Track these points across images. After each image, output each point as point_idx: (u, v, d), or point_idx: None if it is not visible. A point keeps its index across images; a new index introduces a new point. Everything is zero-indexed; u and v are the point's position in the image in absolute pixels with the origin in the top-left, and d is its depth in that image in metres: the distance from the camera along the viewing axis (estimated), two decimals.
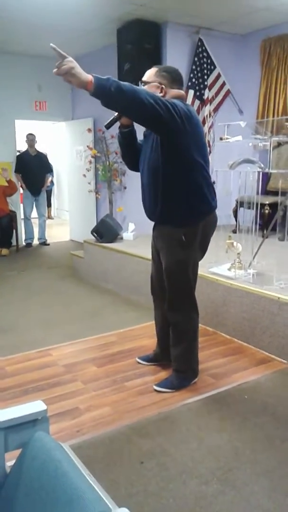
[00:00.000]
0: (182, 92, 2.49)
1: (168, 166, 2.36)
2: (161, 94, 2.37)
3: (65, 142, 8.32)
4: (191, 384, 2.74)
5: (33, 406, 1.31)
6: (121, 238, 5.28)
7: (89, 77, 1.99)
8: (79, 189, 7.76)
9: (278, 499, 1.85)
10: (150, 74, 2.47)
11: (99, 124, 7.10)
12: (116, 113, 2.38)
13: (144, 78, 2.47)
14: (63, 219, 10.91)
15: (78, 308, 4.36)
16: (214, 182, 3.14)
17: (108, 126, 2.42)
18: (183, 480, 1.95)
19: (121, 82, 2.02)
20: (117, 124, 2.56)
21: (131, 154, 2.63)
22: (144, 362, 3.04)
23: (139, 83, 2.47)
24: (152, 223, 2.75)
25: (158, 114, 2.10)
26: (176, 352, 2.73)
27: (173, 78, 2.45)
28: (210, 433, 2.29)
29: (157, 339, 3.01)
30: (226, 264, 3.70)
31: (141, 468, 2.02)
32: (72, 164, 7.98)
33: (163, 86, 2.41)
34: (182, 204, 2.45)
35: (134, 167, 2.70)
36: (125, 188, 6.76)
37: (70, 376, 2.91)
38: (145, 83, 2.45)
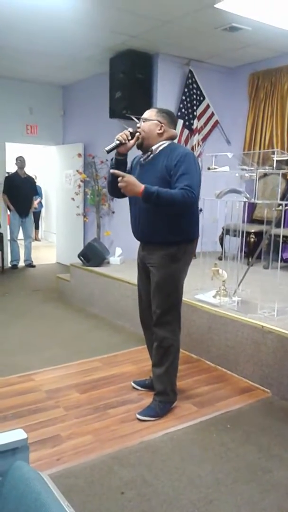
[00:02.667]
0: (176, 132, 2.81)
1: None
2: (161, 131, 2.65)
3: (55, 166, 8.39)
4: (172, 408, 2.75)
5: (14, 435, 1.29)
6: (108, 263, 5.30)
7: (140, 189, 2.44)
8: (67, 212, 7.80)
9: None
10: (151, 113, 2.72)
11: (89, 149, 7.19)
12: (118, 141, 2.61)
13: (145, 116, 2.71)
14: (50, 242, 10.90)
15: (63, 331, 4.33)
16: (201, 210, 3.29)
17: (109, 150, 2.63)
18: (164, 511, 1.92)
19: (162, 191, 2.43)
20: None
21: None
22: (139, 388, 3.03)
23: (140, 120, 2.71)
24: (137, 247, 2.81)
25: (190, 203, 2.49)
26: (160, 371, 2.74)
27: (171, 119, 2.74)
28: (192, 463, 2.27)
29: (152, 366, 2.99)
30: (212, 291, 3.73)
31: (121, 498, 1.99)
32: (61, 188, 8.03)
33: (163, 125, 2.66)
34: (179, 228, 2.63)
35: (120, 194, 2.79)
36: (113, 212, 6.82)
37: (52, 402, 2.87)
38: (146, 120, 2.68)
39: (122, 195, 2.76)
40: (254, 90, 5.98)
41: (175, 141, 2.79)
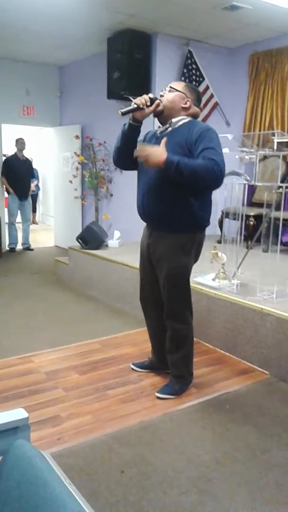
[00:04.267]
0: (199, 111, 2.64)
1: None
2: (186, 106, 2.51)
3: (52, 148, 8.31)
4: (189, 388, 2.79)
5: (14, 414, 1.29)
6: (106, 246, 5.28)
7: (162, 158, 2.28)
8: (65, 195, 7.75)
9: (257, 510, 1.85)
10: (179, 85, 2.56)
11: (86, 131, 7.11)
12: (136, 105, 2.42)
13: (172, 85, 2.54)
14: (48, 225, 10.86)
15: (61, 314, 4.34)
16: None
17: (124, 113, 2.43)
18: (164, 489, 1.94)
19: (186, 160, 2.28)
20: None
21: (129, 149, 2.51)
22: (138, 369, 3.04)
23: (165, 88, 2.54)
24: (139, 232, 2.75)
25: (215, 179, 2.30)
26: (175, 359, 2.74)
27: (198, 97, 2.61)
28: (191, 442, 2.29)
29: (152, 348, 3.00)
30: (211, 274, 3.73)
31: (121, 477, 2.01)
32: (58, 170, 7.97)
33: (189, 100, 2.52)
34: (190, 211, 2.47)
35: (124, 164, 2.67)
36: (111, 195, 6.78)
37: (51, 383, 2.88)
38: (174, 89, 2.52)
39: (127, 166, 2.63)
40: (254, 71, 5.91)
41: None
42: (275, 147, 3.31)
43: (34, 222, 10.96)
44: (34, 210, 10.93)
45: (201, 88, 5.96)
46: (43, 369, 3.09)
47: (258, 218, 5.02)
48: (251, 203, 5.49)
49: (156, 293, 2.73)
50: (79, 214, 7.55)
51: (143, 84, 5.57)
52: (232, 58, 6.20)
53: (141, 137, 2.61)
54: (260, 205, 5.08)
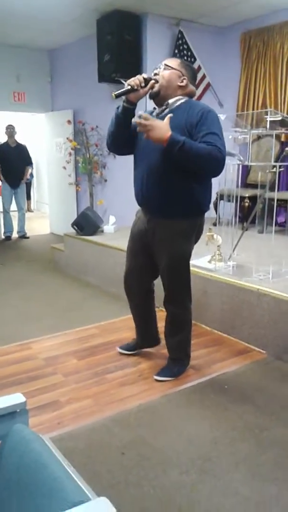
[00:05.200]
0: (195, 90, 2.54)
1: None
2: (182, 84, 2.41)
3: (44, 134, 8.22)
4: (187, 369, 2.81)
5: (12, 399, 1.30)
6: (102, 231, 5.26)
7: (167, 135, 2.19)
8: (59, 181, 7.70)
9: (256, 486, 1.88)
10: (174, 62, 2.45)
11: (79, 115, 7.03)
12: (129, 86, 2.31)
13: (166, 63, 2.43)
14: (43, 212, 10.81)
15: (59, 301, 4.34)
16: None
17: (118, 95, 2.30)
18: (164, 469, 1.96)
19: (191, 142, 2.21)
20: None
21: (124, 133, 2.48)
22: (125, 351, 3.05)
23: (159, 66, 2.43)
24: (132, 217, 2.72)
25: (217, 164, 2.27)
26: (174, 342, 2.76)
27: (194, 75, 2.52)
28: (190, 423, 2.31)
29: (137, 330, 3.01)
30: (207, 257, 3.72)
31: (122, 458, 2.03)
32: (51, 156, 7.90)
33: (186, 78, 2.43)
34: (192, 196, 2.42)
35: (119, 149, 2.59)
36: (105, 181, 6.73)
37: (50, 369, 2.89)
38: (170, 67, 2.42)
39: (122, 151, 2.56)
40: (246, 50, 5.83)
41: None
42: (268, 126, 3.28)
43: (29, 209, 10.90)
44: (28, 198, 10.87)
45: None
46: (41, 355, 3.10)
47: (253, 199, 5.00)
48: (245, 185, 5.47)
49: (143, 277, 2.73)
50: (73, 201, 7.50)
51: (134, 66, 5.48)
52: (224, 37, 6.11)
53: (135, 118, 2.48)
54: (254, 186, 5.05)
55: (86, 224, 5.16)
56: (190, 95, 2.47)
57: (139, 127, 2.24)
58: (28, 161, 7.62)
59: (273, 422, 2.32)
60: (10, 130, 7.35)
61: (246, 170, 5.48)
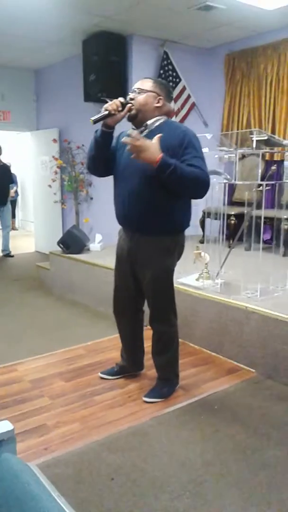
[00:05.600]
0: (173, 108, 2.55)
1: None
2: (159, 105, 2.43)
3: (30, 152, 8.21)
4: (176, 389, 2.77)
5: None
6: (88, 249, 5.23)
7: (158, 156, 2.21)
8: (45, 200, 7.66)
9: (249, 510, 1.83)
10: (146, 83, 2.46)
11: (64, 134, 7.05)
12: (107, 111, 2.33)
13: (141, 86, 2.45)
14: (28, 230, 10.74)
15: (45, 320, 4.27)
16: None
17: (96, 121, 2.34)
18: (155, 495, 1.91)
19: (181, 165, 2.26)
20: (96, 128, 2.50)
21: (105, 156, 2.50)
22: (109, 377, 2.97)
23: (134, 89, 2.45)
24: (116, 235, 2.71)
25: (203, 187, 2.34)
26: (162, 361, 2.73)
27: (169, 92, 2.53)
28: (181, 445, 2.26)
29: (126, 353, 2.96)
30: (194, 275, 3.72)
31: (111, 484, 1.97)
32: (37, 175, 7.88)
33: (161, 98, 2.44)
34: (174, 215, 2.45)
35: (100, 171, 2.61)
36: (91, 198, 6.72)
37: (36, 391, 2.83)
38: (142, 91, 2.43)
39: (104, 173, 2.57)
40: (231, 71, 5.93)
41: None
42: (254, 146, 3.31)
43: (13, 228, 10.82)
44: (13, 216, 10.79)
45: (178, 89, 5.96)
46: (27, 378, 3.03)
47: (239, 217, 5.04)
48: (231, 202, 5.51)
49: (131, 297, 2.72)
50: (59, 219, 7.47)
51: (120, 86, 5.53)
52: (208, 58, 6.22)
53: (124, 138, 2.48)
54: (240, 204, 5.09)
55: (72, 242, 5.13)
56: (168, 113, 2.51)
57: (129, 147, 2.24)
58: (11, 180, 7.60)
59: (264, 443, 2.29)
60: None
61: (231, 188, 5.53)
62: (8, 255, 7.52)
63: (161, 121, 2.46)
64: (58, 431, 2.38)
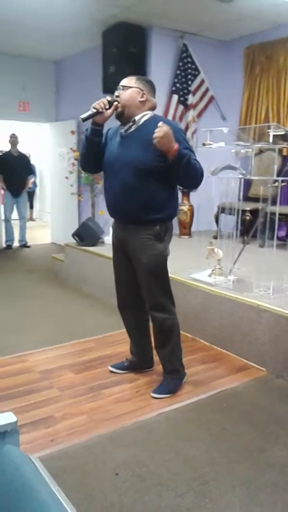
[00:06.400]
0: (157, 102, 2.66)
1: (163, 167, 2.43)
2: (143, 99, 2.53)
3: (48, 144, 8.24)
4: (183, 384, 2.78)
5: (3, 418, 1.25)
6: (103, 242, 5.23)
7: (176, 145, 2.33)
8: (62, 191, 7.69)
9: (254, 510, 1.82)
10: (130, 80, 2.58)
11: (82, 126, 7.04)
12: (95, 110, 2.47)
13: (124, 83, 2.56)
14: (45, 221, 10.81)
15: (57, 312, 4.30)
16: None
17: (85, 119, 2.50)
18: (159, 492, 1.91)
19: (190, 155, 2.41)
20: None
21: (97, 153, 2.63)
22: (118, 371, 2.98)
23: (118, 88, 2.56)
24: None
25: (202, 176, 2.51)
26: (166, 352, 2.73)
27: (152, 87, 2.62)
28: (187, 443, 2.25)
29: (134, 348, 2.97)
30: (207, 270, 3.69)
31: (115, 479, 1.98)
32: (55, 166, 7.91)
33: (145, 93, 2.54)
34: (161, 204, 2.55)
35: (92, 167, 2.75)
36: None
37: (46, 383, 2.85)
38: (126, 87, 2.53)
39: (96, 168, 2.71)
40: (250, 64, 5.84)
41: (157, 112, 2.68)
42: (270, 140, 3.26)
43: (31, 218, 10.91)
44: (31, 207, 10.88)
45: (196, 82, 5.91)
46: (37, 368, 3.05)
47: (254, 212, 4.98)
48: (247, 198, 5.45)
49: (132, 289, 2.76)
50: (75, 211, 7.49)
51: None
52: (228, 51, 6.13)
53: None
54: (256, 199, 5.03)
55: (87, 234, 5.14)
56: (153, 108, 2.60)
57: (158, 133, 2.29)
58: (30, 171, 7.66)
59: (271, 443, 2.27)
60: (13, 140, 7.41)
61: (247, 184, 5.46)
62: (24, 245, 7.58)
63: (148, 116, 2.55)
64: (65, 423, 2.39)
